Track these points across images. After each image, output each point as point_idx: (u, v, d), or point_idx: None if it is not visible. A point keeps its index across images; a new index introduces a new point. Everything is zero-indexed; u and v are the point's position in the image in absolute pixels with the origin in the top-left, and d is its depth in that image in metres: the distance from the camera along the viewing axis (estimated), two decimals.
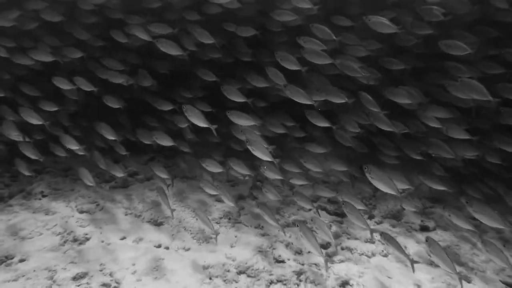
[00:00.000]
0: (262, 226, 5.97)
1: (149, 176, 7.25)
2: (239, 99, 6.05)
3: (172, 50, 6.17)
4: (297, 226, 4.63)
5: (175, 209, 6.17)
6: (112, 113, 7.20)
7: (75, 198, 6.47)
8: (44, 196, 6.48)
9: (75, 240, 5.46)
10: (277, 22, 6.68)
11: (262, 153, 5.39)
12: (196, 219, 6.03)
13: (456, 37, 5.96)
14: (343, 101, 5.81)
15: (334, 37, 5.96)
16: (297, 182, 6.10)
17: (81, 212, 6.16)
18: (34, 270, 4.85)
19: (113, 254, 5.25)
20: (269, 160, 5.40)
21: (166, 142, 6.18)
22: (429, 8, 5.98)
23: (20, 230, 5.59)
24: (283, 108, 6.91)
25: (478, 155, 5.93)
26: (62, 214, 6.01)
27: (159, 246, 5.47)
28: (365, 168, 4.80)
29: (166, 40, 6.17)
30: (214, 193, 5.70)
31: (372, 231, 5.03)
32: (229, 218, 6.11)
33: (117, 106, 6.57)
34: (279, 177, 5.61)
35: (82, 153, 6.15)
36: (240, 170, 5.84)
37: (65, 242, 5.43)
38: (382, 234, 4.69)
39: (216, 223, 6.00)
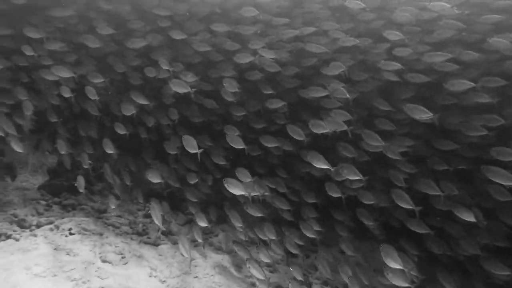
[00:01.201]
0: None
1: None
2: None
3: None
4: None
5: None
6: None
7: (102, 244, 5.91)
8: (71, 234, 5.97)
9: None
10: None
11: None
12: None
13: None
14: None
15: None
16: None
17: (104, 261, 5.55)
18: None
19: None
20: None
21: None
22: None
23: (35, 265, 5.04)
24: None
25: None
26: (83, 259, 5.43)
27: None
28: None
29: None
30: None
31: None
32: None
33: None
34: None
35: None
36: None
37: None
38: None
39: None
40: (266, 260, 5.76)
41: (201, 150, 5.95)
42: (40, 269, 5.00)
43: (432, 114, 5.66)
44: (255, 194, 5.71)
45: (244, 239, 6.22)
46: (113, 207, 6.25)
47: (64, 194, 7.09)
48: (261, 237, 6.05)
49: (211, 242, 6.71)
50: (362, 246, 6.19)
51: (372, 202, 6.01)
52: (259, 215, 6.08)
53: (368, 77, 6.54)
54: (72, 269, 5.14)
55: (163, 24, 6.87)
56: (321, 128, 5.91)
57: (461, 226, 5.91)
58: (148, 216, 7.13)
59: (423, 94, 6.46)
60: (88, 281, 4.98)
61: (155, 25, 7.00)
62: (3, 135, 6.15)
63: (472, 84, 5.77)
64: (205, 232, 7.02)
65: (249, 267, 5.49)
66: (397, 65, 6.14)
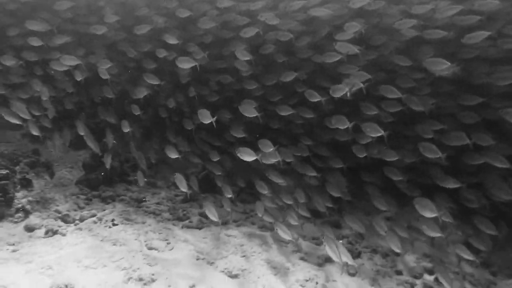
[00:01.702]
0: None
1: (225, 220, 6.54)
2: None
3: None
4: None
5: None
6: None
7: (146, 232, 5.90)
8: (114, 224, 5.99)
9: (140, 279, 4.78)
10: None
11: None
12: (275, 274, 5.15)
13: None
14: None
15: None
16: None
17: (150, 248, 5.54)
18: None
19: None
20: None
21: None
22: None
23: (85, 258, 5.06)
24: None
25: None
26: (129, 248, 5.43)
27: None
28: None
29: None
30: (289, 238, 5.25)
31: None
32: (316, 283, 5.14)
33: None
34: None
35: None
36: None
37: (129, 279, 4.77)
38: None
39: (301, 286, 5.06)
40: (295, 223, 5.70)
41: (214, 119, 5.99)
42: (91, 261, 5.01)
43: (450, 64, 5.43)
44: (275, 160, 5.73)
45: (272, 205, 6.12)
46: (141, 184, 6.36)
47: (102, 187, 7.13)
48: (288, 202, 6.00)
49: (253, 220, 6.63)
50: (393, 205, 6.02)
51: (395, 158, 5.86)
52: (281, 181, 6.06)
53: (385, 39, 6.30)
54: (121, 259, 5.15)
55: (171, 5, 6.83)
56: (341, 91, 5.82)
57: (496, 175, 5.77)
58: (187, 201, 7.11)
59: (443, 51, 6.13)
60: (138, 269, 4.96)
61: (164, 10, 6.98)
62: (38, 134, 6.17)
63: (488, 33, 5.46)
64: (246, 212, 6.96)
65: (276, 229, 5.43)
66: (413, 21, 5.88)
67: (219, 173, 6.58)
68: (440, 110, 6.07)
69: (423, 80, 6.12)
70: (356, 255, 5.86)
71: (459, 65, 5.49)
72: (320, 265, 5.57)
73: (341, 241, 6.16)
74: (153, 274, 4.88)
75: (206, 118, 6.09)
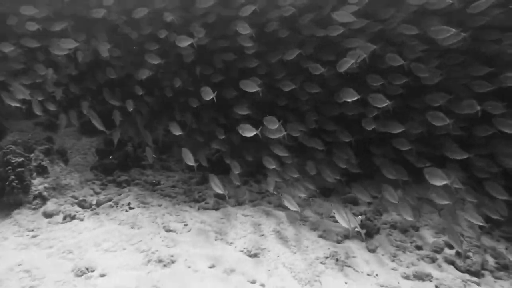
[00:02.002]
0: (377, 274, 4.88)
1: (241, 200, 6.51)
2: None
3: None
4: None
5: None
6: None
7: (162, 214, 5.90)
8: (131, 208, 5.99)
9: (159, 261, 4.78)
10: None
11: None
12: (294, 252, 5.12)
13: None
14: None
15: None
16: None
17: (168, 230, 5.54)
18: None
19: (201, 283, 4.47)
20: None
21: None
22: None
23: (104, 241, 5.07)
24: None
25: None
26: (147, 230, 5.42)
27: (253, 282, 4.59)
28: None
29: None
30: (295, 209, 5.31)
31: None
32: (337, 260, 5.10)
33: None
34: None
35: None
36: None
37: (148, 261, 4.77)
38: None
39: (321, 263, 5.02)
40: (302, 195, 5.73)
41: (214, 94, 6.03)
42: (109, 244, 5.03)
43: (454, 30, 5.31)
44: (280, 135, 5.83)
45: (279, 180, 6.11)
46: (150, 160, 6.52)
47: (116, 171, 7.12)
48: (294, 176, 6.00)
49: (269, 200, 6.59)
50: (403, 174, 5.96)
51: (401, 130, 5.80)
52: (285, 155, 6.12)
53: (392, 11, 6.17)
54: (139, 241, 5.15)
55: None
56: (347, 63, 5.77)
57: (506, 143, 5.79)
58: (201, 183, 7.08)
59: (450, 20, 5.95)
60: (156, 250, 4.96)
61: None
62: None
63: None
64: (261, 192, 6.91)
65: (283, 200, 5.50)
66: None
67: (225, 150, 6.70)
68: (449, 81, 6.02)
69: (432, 51, 6.02)
70: (375, 231, 5.80)
71: (465, 32, 5.34)
72: (339, 242, 5.53)
73: (360, 217, 6.11)
74: (172, 256, 4.88)
75: (208, 95, 6.12)
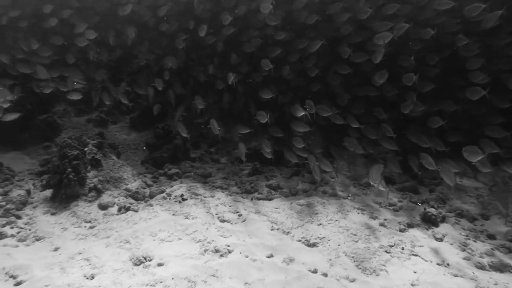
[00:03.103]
0: (448, 264, 4.52)
1: (294, 191, 6.30)
2: None
3: None
4: None
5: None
6: None
7: (216, 205, 5.79)
8: (184, 199, 5.91)
9: (216, 250, 4.65)
10: None
11: None
12: (356, 240, 4.84)
13: None
14: None
15: None
16: None
17: (222, 221, 5.42)
18: (173, 278, 4.11)
19: (261, 273, 4.29)
20: None
21: None
22: None
23: (159, 231, 5.01)
24: None
25: None
26: (202, 221, 5.32)
27: (315, 271, 4.36)
28: None
29: None
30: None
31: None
32: (402, 248, 4.78)
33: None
34: None
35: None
36: None
37: (205, 251, 4.66)
38: None
39: (386, 252, 4.72)
40: (329, 169, 5.88)
41: (233, 77, 6.72)
42: (165, 234, 4.96)
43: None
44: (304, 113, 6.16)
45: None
46: (184, 135, 6.83)
47: (167, 165, 7.11)
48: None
49: (324, 190, 6.34)
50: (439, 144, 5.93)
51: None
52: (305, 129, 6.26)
53: None
54: (194, 231, 5.05)
55: None
56: (387, 37, 5.94)
57: None
58: (252, 174, 6.93)
59: None
60: (213, 241, 4.84)
61: None
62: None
63: None
64: (313, 182, 6.67)
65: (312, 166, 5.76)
66: None
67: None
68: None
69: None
70: (440, 219, 5.42)
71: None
72: (402, 230, 5.21)
73: (421, 206, 5.76)
74: (228, 246, 4.74)
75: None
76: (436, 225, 5.35)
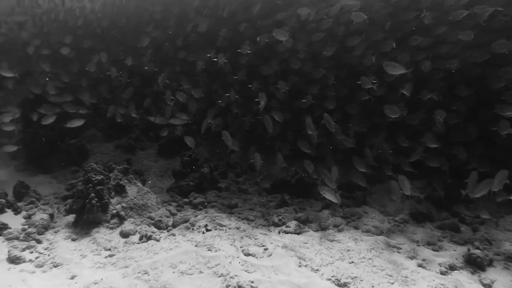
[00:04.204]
0: None
1: (324, 225, 5.93)
2: None
3: None
4: None
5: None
6: None
7: (241, 237, 5.48)
8: (207, 230, 5.64)
9: (239, 286, 4.31)
10: None
11: None
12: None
13: None
14: None
15: None
16: None
17: (247, 254, 5.10)
18: None
19: None
20: None
21: None
22: None
23: (180, 263, 4.74)
24: None
25: None
26: (226, 253, 5.01)
27: None
28: None
29: None
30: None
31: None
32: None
33: None
34: None
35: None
36: None
37: (227, 286, 4.33)
38: None
39: None
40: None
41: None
42: (186, 266, 4.68)
43: None
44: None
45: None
46: (191, 146, 6.94)
47: (193, 193, 6.91)
48: None
49: (356, 225, 5.94)
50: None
51: None
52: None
53: None
54: (217, 265, 4.74)
55: None
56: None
57: None
58: (280, 206, 6.62)
59: None
60: (236, 275, 4.52)
61: None
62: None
63: None
64: (346, 216, 6.28)
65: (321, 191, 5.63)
66: None
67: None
68: None
69: None
70: (487, 263, 4.90)
71: None
72: (443, 273, 4.73)
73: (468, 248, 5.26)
74: (252, 282, 4.39)
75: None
76: (483, 269, 4.84)
